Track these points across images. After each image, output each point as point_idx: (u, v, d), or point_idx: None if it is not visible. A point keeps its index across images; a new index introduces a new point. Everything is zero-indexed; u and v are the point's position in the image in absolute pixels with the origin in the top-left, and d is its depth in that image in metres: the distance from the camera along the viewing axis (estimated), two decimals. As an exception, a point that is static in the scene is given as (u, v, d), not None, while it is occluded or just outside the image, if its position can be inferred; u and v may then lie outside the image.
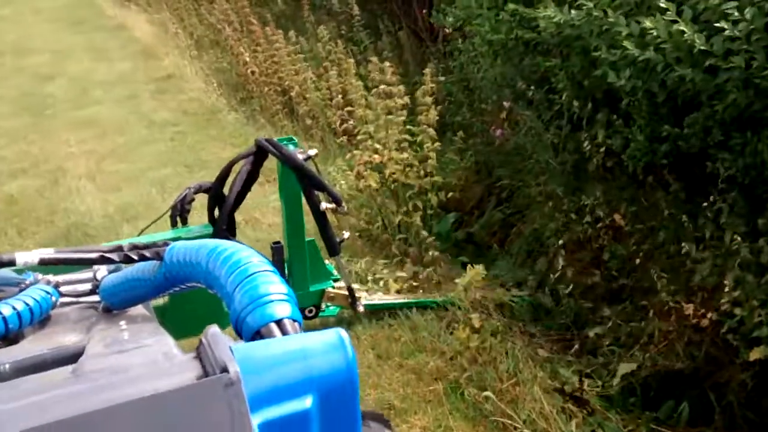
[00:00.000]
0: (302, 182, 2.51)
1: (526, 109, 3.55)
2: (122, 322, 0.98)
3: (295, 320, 0.74)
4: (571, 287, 3.16)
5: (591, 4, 2.74)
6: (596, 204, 3.17)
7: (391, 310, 3.20)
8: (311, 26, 6.40)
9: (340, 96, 4.62)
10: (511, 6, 3.20)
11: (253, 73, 5.67)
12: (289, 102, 5.49)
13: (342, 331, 0.68)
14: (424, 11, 7.00)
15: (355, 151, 3.84)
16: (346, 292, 2.91)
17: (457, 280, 2.89)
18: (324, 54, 5.55)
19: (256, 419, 0.60)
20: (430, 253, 3.42)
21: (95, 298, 1.07)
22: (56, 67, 8.45)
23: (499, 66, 4.09)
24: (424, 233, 3.51)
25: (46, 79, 7.98)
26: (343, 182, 4.14)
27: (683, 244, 2.72)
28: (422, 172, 3.95)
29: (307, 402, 0.64)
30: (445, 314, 2.99)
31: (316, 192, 2.53)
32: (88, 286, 1.09)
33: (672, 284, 2.69)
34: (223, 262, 0.79)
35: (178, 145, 5.50)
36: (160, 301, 1.85)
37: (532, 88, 3.66)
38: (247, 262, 0.78)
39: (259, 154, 2.44)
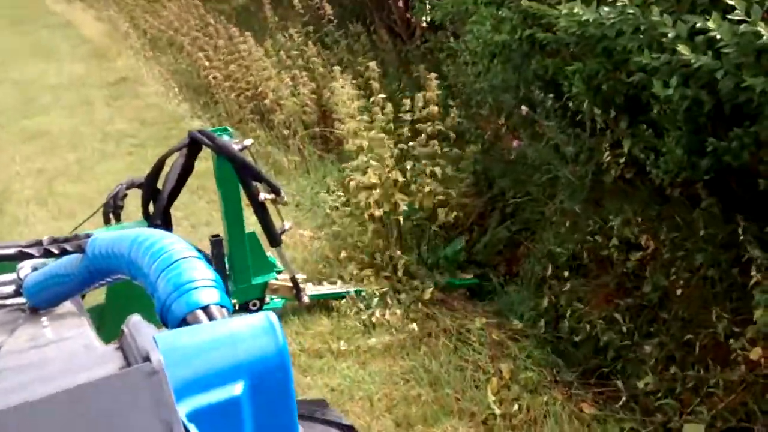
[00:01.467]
0: (239, 173, 2.49)
1: (537, 114, 3.17)
2: (44, 319, 0.95)
3: (223, 306, 0.71)
4: (592, 320, 2.81)
5: (626, 0, 2.36)
6: (624, 223, 2.81)
7: (335, 299, 3.23)
8: (274, 24, 5.91)
9: (313, 103, 4.17)
10: (524, 2, 2.81)
11: (215, 78, 5.16)
12: (258, 107, 5.02)
13: (272, 314, 0.65)
14: (399, 3, 6.61)
15: (349, 172, 3.41)
16: (290, 284, 2.91)
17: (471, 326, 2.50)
18: (290, 56, 5.10)
19: (183, 408, 0.58)
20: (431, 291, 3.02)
21: (22, 299, 1.01)
22: None
23: (497, 68, 3.70)
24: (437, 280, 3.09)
25: (-13, 84, 7.34)
26: (331, 202, 3.72)
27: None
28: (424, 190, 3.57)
29: (237, 389, 0.61)
30: (465, 363, 2.60)
31: (255, 183, 2.52)
32: (12, 288, 1.03)
33: (724, 317, 2.35)
34: (145, 250, 0.76)
35: (138, 160, 4.97)
36: (98, 299, 1.92)
37: (541, 92, 3.28)
38: (170, 249, 0.75)
39: (192, 146, 2.38)
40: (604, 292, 3.05)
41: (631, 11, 2.38)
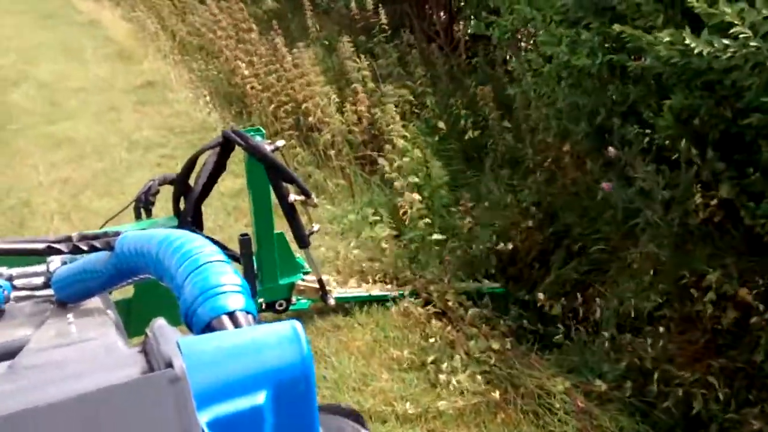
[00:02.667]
0: (270, 174, 2.52)
1: (623, 152, 2.89)
2: (70, 315, 0.94)
3: (248, 312, 0.71)
4: (681, 383, 2.53)
5: (748, 32, 2.07)
6: (723, 275, 2.53)
7: (362, 303, 3.27)
8: (316, 33, 5.65)
9: (366, 122, 3.91)
10: (616, 27, 2.53)
11: (253, 88, 4.90)
12: (298, 122, 4.76)
13: (296, 323, 0.65)
14: (442, 14, 6.34)
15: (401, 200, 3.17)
16: (317, 285, 2.93)
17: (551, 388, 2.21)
18: (335, 68, 4.84)
19: (204, 417, 0.58)
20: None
21: (52, 291, 1.02)
22: (22, 70, 7.61)
23: (564, 91, 3.42)
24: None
25: (9, 84, 7.22)
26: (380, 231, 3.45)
27: None
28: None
29: (259, 398, 0.61)
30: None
31: (285, 184, 2.55)
32: (42, 280, 1.06)
33: None
34: (173, 251, 0.76)
35: (167, 171, 4.70)
36: (127, 295, 1.93)
37: (620, 121, 3.00)
38: (199, 252, 0.75)
39: (225, 146, 2.40)
40: (691, 350, 2.76)
41: (754, 44, 2.09)
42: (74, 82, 7.20)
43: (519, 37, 4.60)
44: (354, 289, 3.33)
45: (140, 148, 5.34)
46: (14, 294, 1.04)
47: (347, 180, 4.19)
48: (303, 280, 2.95)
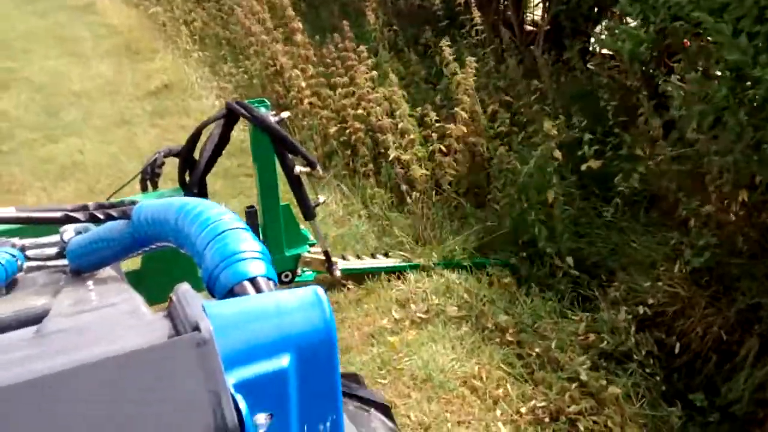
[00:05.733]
0: (275, 145, 2.61)
1: None
2: (90, 283, 1.00)
3: (269, 278, 0.75)
4: None
5: None
6: None
7: (368, 274, 3.47)
8: (379, 34, 4.69)
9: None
10: None
11: (311, 104, 3.97)
12: (348, 142, 3.85)
13: (319, 289, 0.69)
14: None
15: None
16: (323, 257, 3.07)
17: None
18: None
19: (230, 379, 0.60)
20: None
21: (64, 261, 1.07)
22: (10, 69, 6.85)
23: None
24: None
25: (-3, 87, 6.30)
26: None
27: None
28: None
29: (284, 361, 0.64)
30: None
31: (290, 155, 2.65)
32: (55, 250, 1.11)
33: None
34: (192, 219, 0.80)
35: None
36: (134, 265, 2.08)
37: None
38: (218, 219, 0.79)
39: (229, 117, 2.48)
40: None
41: None
42: (74, 84, 6.45)
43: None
44: (360, 261, 3.48)
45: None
46: (26, 264, 1.09)
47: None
48: (309, 252, 3.05)
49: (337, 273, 3.13)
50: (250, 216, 2.72)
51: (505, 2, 5.70)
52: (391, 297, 3.31)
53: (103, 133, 5.34)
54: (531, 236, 3.54)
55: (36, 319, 0.80)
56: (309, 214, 2.81)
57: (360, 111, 3.82)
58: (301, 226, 3.04)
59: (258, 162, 2.71)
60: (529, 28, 5.65)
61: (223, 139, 2.48)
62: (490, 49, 4.49)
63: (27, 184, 4.55)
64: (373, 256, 3.58)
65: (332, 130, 3.98)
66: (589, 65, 4.86)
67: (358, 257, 3.55)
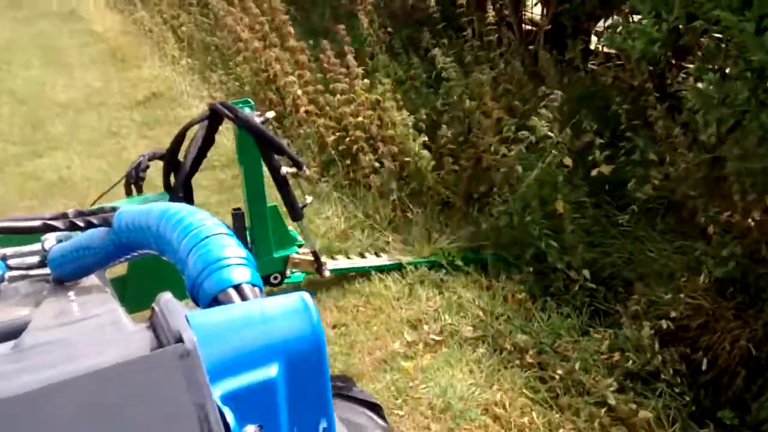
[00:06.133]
0: (261, 146, 2.60)
1: None
2: (71, 293, 0.97)
3: (255, 285, 0.73)
4: None
5: None
6: None
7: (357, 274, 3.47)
8: (373, 36, 4.52)
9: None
10: None
11: (308, 113, 3.81)
12: (349, 152, 3.70)
13: (305, 295, 0.68)
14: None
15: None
16: (312, 258, 3.07)
17: None
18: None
19: (217, 391, 0.59)
20: None
21: (47, 270, 1.04)
22: None
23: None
24: None
25: (-24, 101, 6.12)
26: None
27: None
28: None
29: (272, 370, 0.63)
30: None
31: (277, 156, 2.65)
32: (36, 258, 1.07)
33: None
34: (174, 225, 0.78)
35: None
36: (122, 270, 2.13)
37: None
38: (201, 225, 0.76)
39: (213, 119, 2.50)
40: None
41: None
42: (59, 94, 6.19)
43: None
44: (349, 261, 3.47)
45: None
46: (8, 274, 1.06)
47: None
48: (297, 252, 3.05)
49: (327, 273, 3.11)
50: (237, 218, 2.73)
51: (501, 2, 5.55)
52: (402, 318, 3.17)
53: (91, 146, 5.15)
54: (537, 251, 3.41)
55: (15, 332, 0.78)
56: (296, 214, 2.82)
57: (361, 119, 3.67)
58: (289, 227, 3.04)
59: (244, 164, 2.73)
60: (527, 27, 5.51)
61: (207, 141, 2.50)
62: (498, 51, 4.35)
63: (12, 203, 4.34)
64: (362, 255, 3.56)
65: (330, 138, 3.83)
66: (590, 65, 4.73)
67: (348, 257, 3.54)
